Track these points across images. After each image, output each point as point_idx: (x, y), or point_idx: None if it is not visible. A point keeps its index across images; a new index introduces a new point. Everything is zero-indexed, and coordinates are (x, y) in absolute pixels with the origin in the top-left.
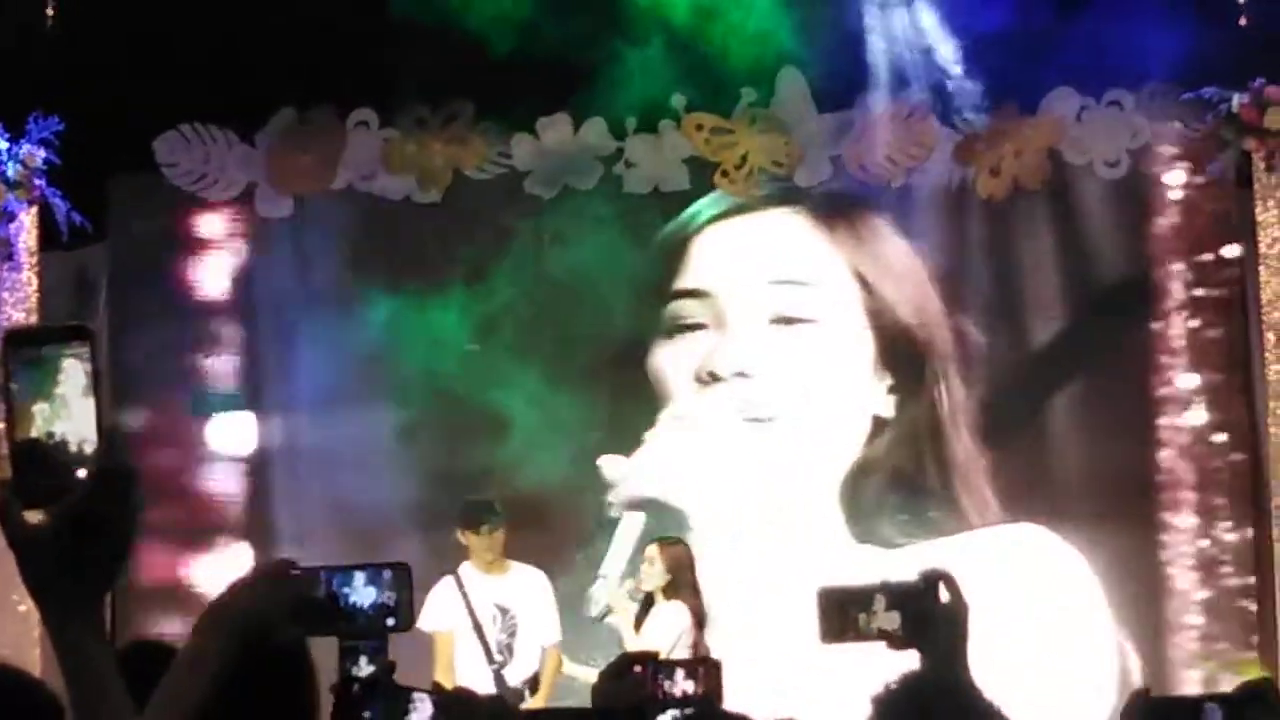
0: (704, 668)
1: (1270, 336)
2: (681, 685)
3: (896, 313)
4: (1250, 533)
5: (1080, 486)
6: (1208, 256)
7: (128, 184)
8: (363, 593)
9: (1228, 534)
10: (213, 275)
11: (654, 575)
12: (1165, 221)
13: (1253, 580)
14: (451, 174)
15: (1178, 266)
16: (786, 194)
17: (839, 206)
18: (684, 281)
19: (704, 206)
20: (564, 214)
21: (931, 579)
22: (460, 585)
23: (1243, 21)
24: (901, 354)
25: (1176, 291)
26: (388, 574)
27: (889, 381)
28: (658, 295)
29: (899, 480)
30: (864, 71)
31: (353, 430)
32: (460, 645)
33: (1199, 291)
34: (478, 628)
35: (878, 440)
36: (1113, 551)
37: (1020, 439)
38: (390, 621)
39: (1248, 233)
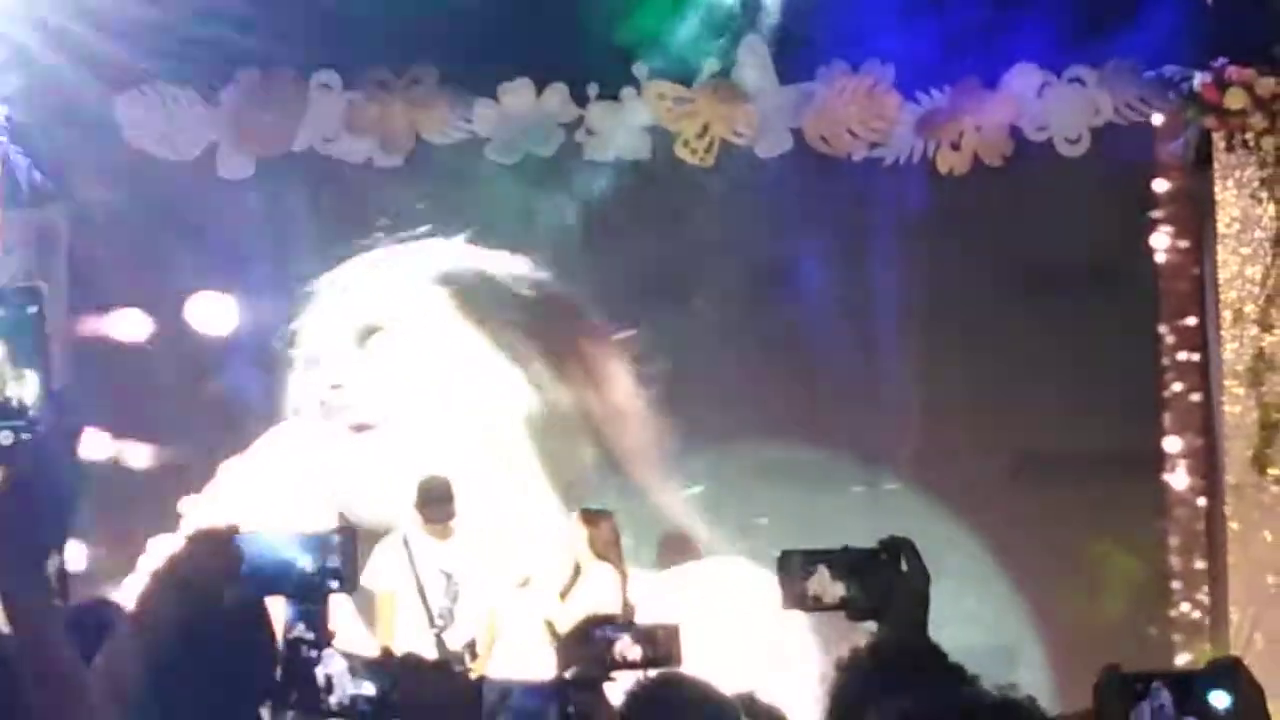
0: (663, 632)
1: (1227, 315)
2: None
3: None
4: None
5: None
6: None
7: (90, 143)
8: (307, 556)
9: None
10: (172, 235)
11: (580, 543)
12: None
13: None
14: (414, 138)
15: None
16: None
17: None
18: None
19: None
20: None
21: (892, 548)
22: (407, 547)
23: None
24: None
25: None
26: (334, 539)
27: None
28: None
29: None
30: (827, 43)
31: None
32: (402, 607)
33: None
34: (420, 590)
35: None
36: None
37: None
38: (334, 584)
39: (1207, 212)
